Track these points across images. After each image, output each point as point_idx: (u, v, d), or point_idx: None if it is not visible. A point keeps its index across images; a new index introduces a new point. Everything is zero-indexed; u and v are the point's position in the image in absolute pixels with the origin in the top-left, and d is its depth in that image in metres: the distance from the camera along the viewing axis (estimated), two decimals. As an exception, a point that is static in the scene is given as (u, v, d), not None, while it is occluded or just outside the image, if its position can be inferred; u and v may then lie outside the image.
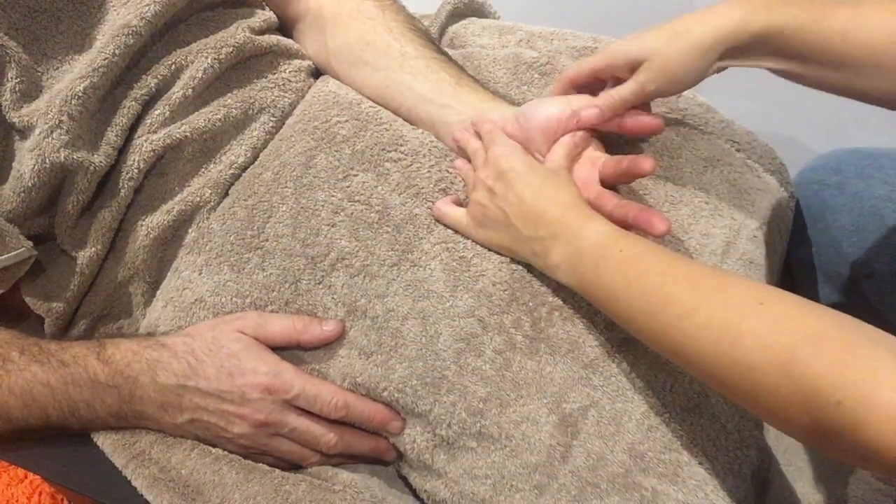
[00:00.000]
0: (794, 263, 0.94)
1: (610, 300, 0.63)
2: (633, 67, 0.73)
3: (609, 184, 0.75)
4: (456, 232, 0.76)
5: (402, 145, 0.79)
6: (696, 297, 0.57)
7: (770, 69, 0.70)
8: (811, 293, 0.94)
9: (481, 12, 1.05)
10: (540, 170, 0.72)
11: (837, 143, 0.95)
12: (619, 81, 0.75)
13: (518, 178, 0.71)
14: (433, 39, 0.90)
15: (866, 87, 0.66)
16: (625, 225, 0.69)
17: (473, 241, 0.75)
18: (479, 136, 0.78)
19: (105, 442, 0.72)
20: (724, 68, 0.71)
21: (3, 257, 0.71)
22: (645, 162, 0.70)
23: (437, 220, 0.76)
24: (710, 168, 0.81)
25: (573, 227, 0.66)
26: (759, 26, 0.67)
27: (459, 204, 0.77)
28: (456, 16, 1.02)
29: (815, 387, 0.48)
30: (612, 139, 0.80)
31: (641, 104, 0.75)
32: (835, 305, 0.91)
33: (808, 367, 0.49)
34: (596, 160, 0.76)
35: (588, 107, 0.74)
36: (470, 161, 0.78)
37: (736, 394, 0.55)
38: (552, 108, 0.76)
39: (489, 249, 0.75)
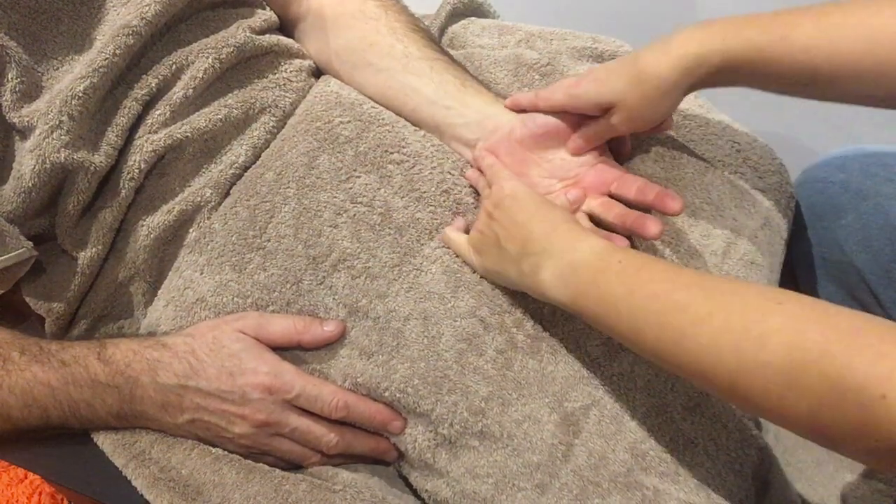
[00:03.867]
0: (797, 262, 0.94)
1: (610, 313, 0.60)
2: (598, 108, 0.74)
3: (622, 201, 0.76)
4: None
5: (404, 147, 0.79)
6: (709, 302, 0.55)
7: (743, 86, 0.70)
8: (813, 292, 0.94)
9: (481, 12, 1.05)
10: (536, 197, 0.71)
11: (839, 143, 0.95)
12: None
13: (514, 203, 0.70)
14: (436, 40, 0.90)
15: (847, 94, 0.65)
16: (624, 232, 0.72)
17: (473, 269, 0.75)
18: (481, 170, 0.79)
19: (105, 442, 0.72)
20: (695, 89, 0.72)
21: (4, 258, 0.71)
22: (674, 202, 0.70)
23: (446, 245, 0.76)
24: (710, 169, 0.81)
25: (565, 243, 0.65)
26: (719, 59, 0.66)
27: (467, 230, 0.77)
28: (456, 15, 1.02)
29: (857, 382, 0.46)
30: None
31: None
32: (839, 304, 0.92)
33: (846, 362, 0.46)
34: (608, 168, 0.77)
35: (571, 140, 0.77)
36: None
37: (761, 400, 0.52)
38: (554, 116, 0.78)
39: (485, 279, 0.74)
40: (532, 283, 0.67)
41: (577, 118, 0.77)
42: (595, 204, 0.75)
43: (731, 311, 0.53)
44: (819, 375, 0.48)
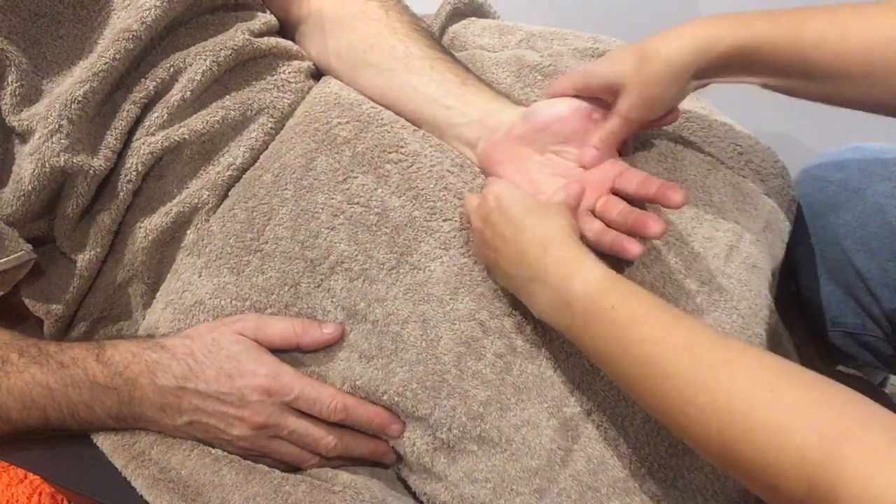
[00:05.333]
0: (797, 262, 0.94)
1: (604, 362, 0.60)
2: (609, 90, 0.72)
3: (625, 196, 0.74)
4: (456, 236, 0.76)
5: (403, 147, 0.79)
6: (698, 377, 0.53)
7: (752, 83, 0.69)
8: (813, 291, 0.94)
9: (481, 12, 1.04)
10: (523, 203, 0.68)
11: (838, 142, 0.95)
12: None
13: (502, 215, 0.68)
14: (437, 40, 0.89)
15: (854, 95, 0.64)
16: (627, 230, 0.69)
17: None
18: None
19: (105, 442, 0.72)
20: (705, 84, 0.71)
21: (3, 260, 0.71)
22: (676, 195, 0.67)
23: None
24: (713, 171, 0.81)
25: (558, 273, 0.62)
26: (728, 45, 0.65)
27: None
28: (456, 16, 1.02)
29: (835, 497, 0.44)
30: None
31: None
32: (838, 303, 0.92)
33: (825, 475, 0.45)
34: (610, 164, 0.76)
35: (588, 149, 0.75)
36: None
37: (747, 484, 0.52)
38: (559, 108, 0.77)
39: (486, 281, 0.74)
40: (529, 305, 0.66)
41: (583, 113, 0.76)
42: (599, 202, 0.74)
43: (718, 393, 0.52)
44: (799, 479, 0.47)
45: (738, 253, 0.77)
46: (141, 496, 0.69)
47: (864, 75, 0.62)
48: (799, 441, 0.47)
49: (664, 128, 0.83)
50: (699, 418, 0.52)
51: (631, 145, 0.81)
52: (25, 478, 1.09)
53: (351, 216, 0.75)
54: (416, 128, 0.82)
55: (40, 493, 1.08)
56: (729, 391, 0.51)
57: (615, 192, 0.74)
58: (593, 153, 0.74)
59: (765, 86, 0.70)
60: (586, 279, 0.61)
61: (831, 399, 0.49)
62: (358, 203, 0.75)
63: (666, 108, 0.73)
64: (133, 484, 0.70)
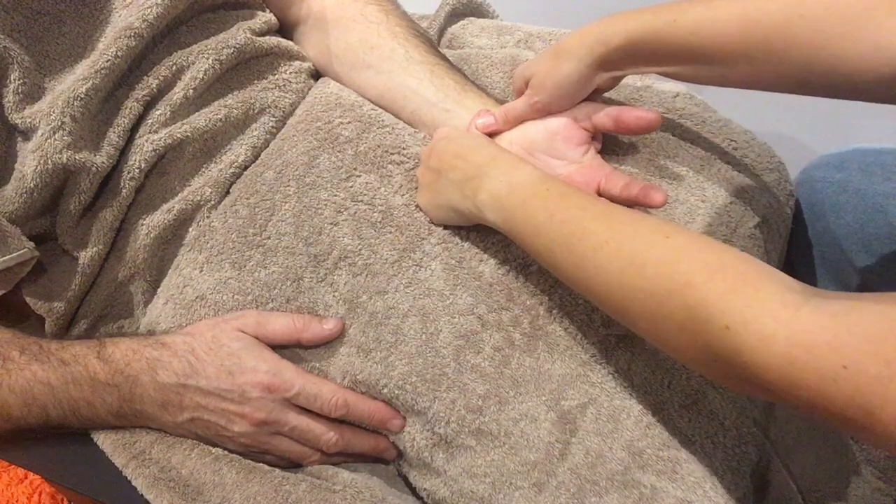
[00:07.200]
0: (797, 262, 0.94)
1: (532, 234, 0.65)
2: (524, 81, 0.78)
3: (610, 199, 0.74)
4: (457, 235, 0.77)
5: (404, 149, 0.80)
6: (609, 230, 0.59)
7: (659, 73, 0.73)
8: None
9: (480, 12, 1.05)
10: (470, 133, 0.78)
11: (837, 142, 0.95)
12: None
13: (448, 141, 0.74)
14: (436, 46, 0.90)
15: (743, 76, 0.67)
16: None
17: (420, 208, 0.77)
18: None
19: (105, 442, 0.73)
20: (616, 77, 0.76)
21: (5, 258, 0.72)
22: (657, 195, 0.70)
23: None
24: (707, 167, 0.81)
25: (504, 167, 0.69)
26: (621, 39, 0.69)
27: None
28: (455, 16, 1.03)
29: (708, 312, 0.50)
30: (609, 136, 0.82)
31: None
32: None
33: (703, 294, 0.51)
34: (597, 167, 0.76)
35: (484, 112, 0.79)
36: None
37: (637, 321, 0.58)
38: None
39: (434, 223, 0.76)
40: (472, 205, 0.70)
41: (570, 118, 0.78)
42: None
43: (623, 240, 0.58)
44: (681, 305, 0.53)
45: (731, 247, 0.77)
46: (141, 495, 0.69)
47: (742, 55, 0.64)
48: (685, 268, 0.53)
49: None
50: (605, 264, 0.58)
51: (600, 137, 0.81)
52: (25, 478, 1.10)
53: (355, 213, 0.75)
54: (416, 131, 0.83)
55: (40, 493, 1.09)
56: (632, 237, 0.58)
57: (601, 195, 0.75)
58: (488, 119, 0.79)
59: (672, 75, 0.73)
60: (529, 172, 0.68)
61: (715, 243, 0.56)
62: (362, 201, 0.76)
63: (570, 99, 0.77)
64: (133, 483, 0.70)
